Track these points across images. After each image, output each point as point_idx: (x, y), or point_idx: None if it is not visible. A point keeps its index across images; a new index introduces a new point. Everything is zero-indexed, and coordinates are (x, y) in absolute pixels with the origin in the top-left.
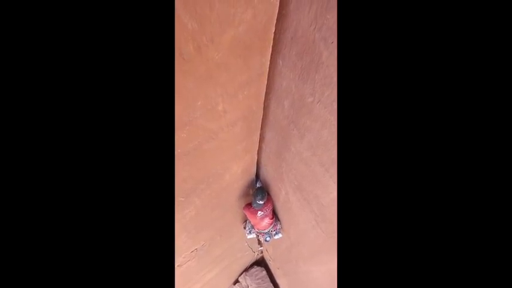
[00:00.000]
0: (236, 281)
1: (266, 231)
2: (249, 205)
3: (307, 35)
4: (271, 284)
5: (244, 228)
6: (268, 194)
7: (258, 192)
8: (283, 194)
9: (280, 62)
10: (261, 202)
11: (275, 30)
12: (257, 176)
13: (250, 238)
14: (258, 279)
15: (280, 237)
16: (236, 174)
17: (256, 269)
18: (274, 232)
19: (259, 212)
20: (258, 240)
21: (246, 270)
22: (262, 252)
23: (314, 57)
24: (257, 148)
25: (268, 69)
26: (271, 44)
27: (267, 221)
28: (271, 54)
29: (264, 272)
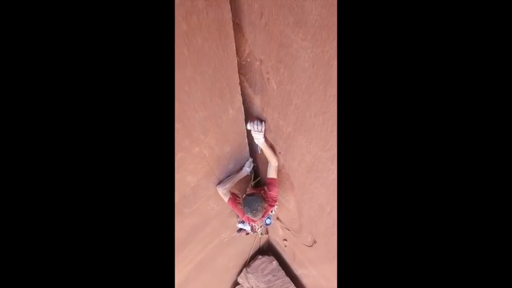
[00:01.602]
0: (235, 284)
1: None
2: (238, 203)
3: None
4: (288, 278)
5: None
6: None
7: (249, 204)
8: None
9: None
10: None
11: None
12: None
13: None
14: (266, 274)
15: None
16: None
17: (261, 260)
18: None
19: (258, 222)
20: (252, 228)
21: (247, 265)
22: (267, 232)
23: None
24: None
25: None
26: None
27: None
28: None
29: (275, 262)
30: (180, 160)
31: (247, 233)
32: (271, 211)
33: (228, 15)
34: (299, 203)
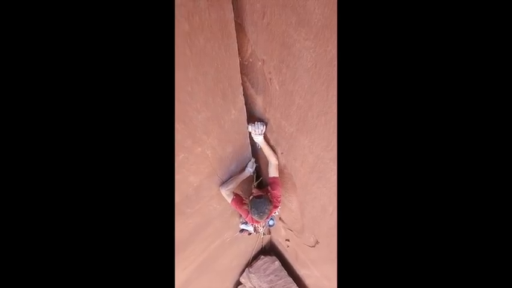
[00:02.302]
0: (238, 283)
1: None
2: (242, 204)
3: None
4: (290, 278)
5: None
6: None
7: (256, 206)
8: None
9: None
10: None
11: None
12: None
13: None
14: (269, 274)
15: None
16: None
17: (264, 260)
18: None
19: (262, 223)
20: (254, 229)
21: (249, 265)
22: (269, 232)
23: None
24: None
25: None
26: None
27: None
28: None
29: (277, 263)
30: (183, 160)
31: (250, 233)
32: (275, 212)
33: (230, 15)
34: (301, 204)
